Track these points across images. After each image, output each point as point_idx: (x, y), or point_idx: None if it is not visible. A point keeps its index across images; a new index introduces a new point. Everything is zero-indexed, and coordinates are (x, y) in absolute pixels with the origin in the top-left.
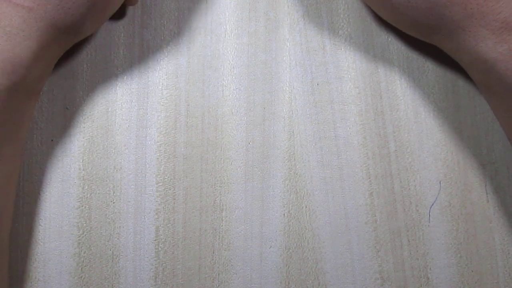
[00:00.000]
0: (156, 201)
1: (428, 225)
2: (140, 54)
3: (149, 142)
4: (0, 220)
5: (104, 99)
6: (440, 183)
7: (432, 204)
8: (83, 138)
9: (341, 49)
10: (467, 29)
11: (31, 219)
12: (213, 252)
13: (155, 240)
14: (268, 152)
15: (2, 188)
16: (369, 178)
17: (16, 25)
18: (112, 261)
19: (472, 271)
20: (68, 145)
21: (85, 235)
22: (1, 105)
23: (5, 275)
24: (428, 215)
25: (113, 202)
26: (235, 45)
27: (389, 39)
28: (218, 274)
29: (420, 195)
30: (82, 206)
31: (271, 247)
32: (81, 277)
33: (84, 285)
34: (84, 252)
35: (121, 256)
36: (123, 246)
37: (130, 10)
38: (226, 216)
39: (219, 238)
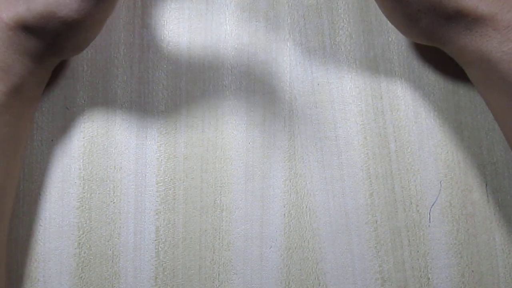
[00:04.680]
0: (157, 201)
1: (429, 225)
2: (140, 54)
3: (149, 142)
4: None
5: (104, 99)
6: (440, 183)
7: (433, 204)
8: (83, 138)
9: (341, 49)
10: (474, 29)
11: (31, 219)
12: (213, 252)
13: (155, 240)
14: (268, 152)
15: (1, 188)
16: (370, 178)
17: (4, 39)
18: (112, 261)
19: (472, 271)
20: (68, 145)
21: (85, 235)
22: (2, 108)
23: (3, 275)
24: (429, 215)
25: (113, 202)
26: (235, 45)
27: (390, 39)
28: (219, 274)
29: (421, 195)
30: (82, 206)
31: (271, 247)
32: (81, 277)
33: (84, 285)
34: (84, 252)
35: (121, 256)
36: (123, 246)
37: (130, 10)
38: (227, 216)
39: (219, 238)
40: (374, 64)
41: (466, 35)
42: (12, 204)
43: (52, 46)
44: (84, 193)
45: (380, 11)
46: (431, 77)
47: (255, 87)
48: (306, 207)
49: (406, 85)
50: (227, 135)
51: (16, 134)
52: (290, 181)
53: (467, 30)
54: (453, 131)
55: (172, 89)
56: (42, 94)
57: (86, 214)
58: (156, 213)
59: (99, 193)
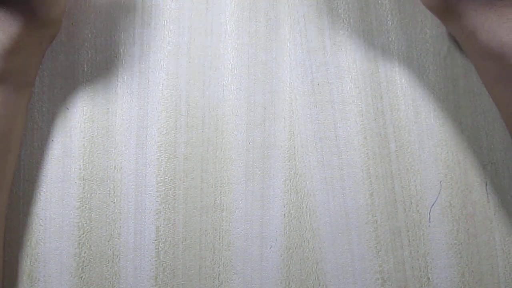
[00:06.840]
0: (157, 201)
1: (429, 225)
2: (140, 54)
3: (150, 142)
4: None
5: (104, 99)
6: (440, 183)
7: (433, 204)
8: (83, 138)
9: (341, 49)
10: (494, 7)
11: (31, 219)
12: (214, 252)
13: (155, 240)
14: (268, 152)
15: None
16: (370, 178)
17: None
18: (113, 261)
19: (472, 271)
20: (68, 145)
21: (86, 235)
22: None
23: (0, 273)
24: (429, 215)
25: (114, 202)
26: (236, 45)
27: (390, 39)
28: (219, 274)
29: (421, 195)
30: (83, 206)
31: (271, 247)
32: (81, 277)
33: (85, 285)
34: (85, 252)
35: (121, 256)
36: (124, 246)
37: (131, 10)
38: (227, 216)
39: (219, 238)
40: (374, 64)
41: (484, 13)
42: (6, 202)
43: (18, 15)
44: (84, 193)
45: (380, 11)
46: (431, 77)
47: (256, 87)
48: (306, 207)
49: (406, 85)
50: (227, 135)
51: (5, 126)
52: (290, 181)
53: (486, 7)
54: (453, 131)
55: (172, 89)
56: (41, 92)
57: (86, 214)
58: (156, 213)
59: (99, 193)
